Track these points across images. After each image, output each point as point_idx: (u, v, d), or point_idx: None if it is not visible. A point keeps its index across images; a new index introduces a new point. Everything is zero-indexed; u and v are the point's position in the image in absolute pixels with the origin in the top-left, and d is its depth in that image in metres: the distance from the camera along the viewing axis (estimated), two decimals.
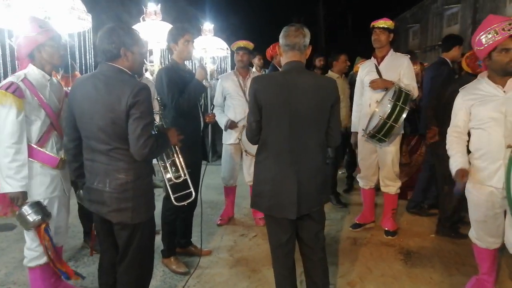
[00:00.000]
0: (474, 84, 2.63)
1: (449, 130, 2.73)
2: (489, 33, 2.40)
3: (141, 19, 4.64)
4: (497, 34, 2.36)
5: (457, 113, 2.67)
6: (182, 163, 2.49)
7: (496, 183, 2.46)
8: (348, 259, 3.40)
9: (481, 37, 2.45)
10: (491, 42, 2.40)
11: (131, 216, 2.13)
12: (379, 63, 3.70)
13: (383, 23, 3.62)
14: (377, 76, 3.65)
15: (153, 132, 2.25)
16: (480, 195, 2.55)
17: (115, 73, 2.08)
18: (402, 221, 4.21)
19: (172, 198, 2.51)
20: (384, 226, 3.91)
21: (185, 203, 2.52)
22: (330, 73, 4.83)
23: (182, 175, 2.49)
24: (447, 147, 2.72)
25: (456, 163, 2.60)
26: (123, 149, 2.06)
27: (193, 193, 2.55)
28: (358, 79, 3.92)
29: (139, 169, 2.14)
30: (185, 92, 3.04)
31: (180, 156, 2.49)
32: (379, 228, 3.98)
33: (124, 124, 2.01)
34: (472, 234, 2.73)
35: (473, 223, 2.70)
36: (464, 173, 2.54)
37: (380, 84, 3.57)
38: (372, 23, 3.68)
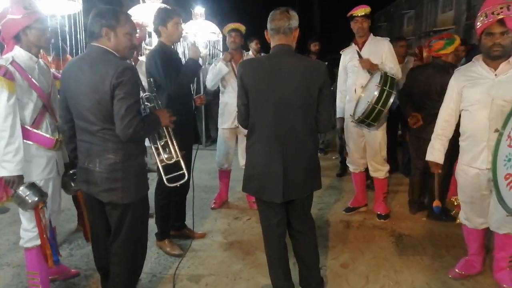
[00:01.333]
0: (468, 66, 2.65)
1: (441, 110, 2.78)
2: (481, 15, 2.43)
3: (141, 0, 4.56)
4: (486, 17, 2.39)
5: (449, 94, 2.71)
6: (175, 145, 2.48)
7: (480, 164, 2.51)
8: (340, 241, 3.44)
9: (478, 19, 2.48)
10: (480, 24, 2.43)
11: (121, 195, 2.16)
12: (360, 49, 3.72)
13: (363, 10, 3.62)
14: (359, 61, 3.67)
15: (143, 113, 2.27)
16: (467, 177, 2.61)
17: (100, 54, 2.09)
18: (395, 204, 4.26)
19: (164, 179, 2.50)
20: (376, 210, 3.96)
21: (177, 184, 2.51)
22: None
23: (174, 156, 2.48)
24: (437, 124, 2.79)
25: (433, 151, 2.78)
26: (111, 130, 2.07)
27: (186, 175, 2.54)
28: (341, 65, 3.93)
29: (128, 149, 2.15)
30: (182, 70, 3.04)
31: (172, 137, 2.48)
32: (371, 211, 4.02)
33: (109, 105, 2.02)
34: (462, 215, 2.79)
35: (462, 204, 2.76)
36: (436, 167, 2.78)
37: (368, 63, 3.56)
38: (352, 12, 3.66)
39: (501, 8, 2.34)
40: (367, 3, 3.70)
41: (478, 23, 2.46)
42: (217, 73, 3.95)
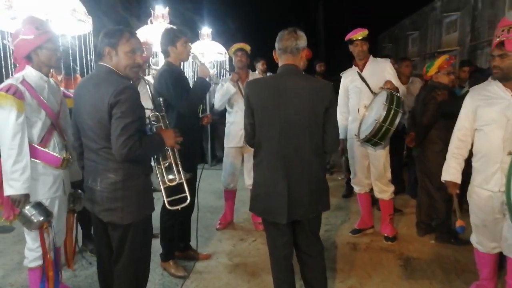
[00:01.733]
0: (484, 85, 2.61)
1: (454, 129, 2.74)
2: (494, 38, 2.46)
3: (148, 21, 4.65)
4: (495, 38, 2.43)
5: (463, 113, 2.67)
6: (180, 167, 2.41)
7: (492, 186, 2.46)
8: (347, 264, 3.38)
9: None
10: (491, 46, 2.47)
11: (121, 216, 2.14)
12: (361, 70, 3.76)
13: (362, 34, 3.66)
14: (361, 83, 3.70)
15: (148, 132, 2.28)
16: (479, 199, 2.55)
17: (104, 73, 2.13)
18: (402, 226, 4.20)
19: (166, 202, 2.38)
20: (383, 232, 3.90)
21: (178, 207, 2.40)
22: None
23: (177, 179, 2.38)
24: (451, 143, 2.76)
25: (448, 169, 2.73)
26: (111, 148, 2.07)
27: (188, 198, 2.42)
28: (341, 87, 3.95)
29: (129, 169, 2.13)
30: (192, 90, 3.06)
31: (177, 159, 2.41)
32: (378, 233, 3.97)
33: (108, 124, 2.03)
34: (473, 238, 2.73)
35: (473, 227, 2.69)
36: (453, 187, 2.71)
37: (392, 83, 3.54)
38: (351, 37, 3.69)
39: (502, 30, 2.36)
40: (371, 25, 3.76)
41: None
42: (224, 93, 3.97)
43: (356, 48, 3.70)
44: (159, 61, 4.56)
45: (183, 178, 2.40)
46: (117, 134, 1.99)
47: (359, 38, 3.65)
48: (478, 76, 3.81)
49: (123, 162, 2.09)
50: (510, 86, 2.45)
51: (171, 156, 2.38)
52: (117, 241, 2.21)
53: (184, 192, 2.43)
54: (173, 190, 2.48)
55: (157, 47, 4.42)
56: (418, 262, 3.41)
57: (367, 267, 3.33)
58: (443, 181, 2.78)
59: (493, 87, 2.52)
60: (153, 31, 4.44)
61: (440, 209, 3.76)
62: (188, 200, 2.40)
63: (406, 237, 3.93)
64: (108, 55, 2.12)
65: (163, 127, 2.39)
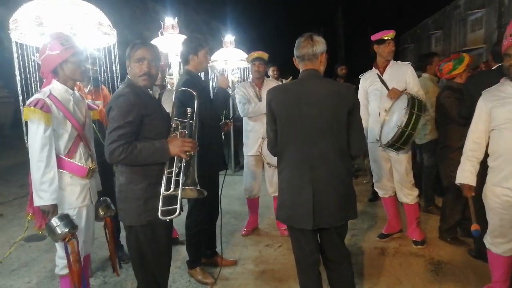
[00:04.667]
0: (497, 86, 2.60)
1: (469, 132, 2.71)
2: (506, 35, 2.45)
3: (159, 33, 4.73)
4: (505, 38, 2.42)
5: (477, 115, 2.65)
6: (180, 178, 2.23)
7: None
8: (376, 270, 3.32)
9: (504, 39, 2.50)
10: (504, 44, 2.45)
11: (123, 217, 2.29)
12: (381, 73, 3.71)
13: (393, 34, 3.64)
14: (381, 86, 3.66)
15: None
16: (497, 198, 2.52)
17: (122, 84, 2.34)
18: (431, 230, 4.09)
19: (159, 211, 2.20)
20: (411, 237, 3.82)
21: (167, 218, 2.20)
22: (424, 76, 4.79)
23: (172, 190, 2.21)
24: (466, 143, 2.74)
25: (463, 172, 2.70)
26: None
27: (177, 211, 2.21)
28: (360, 90, 3.90)
29: (130, 173, 2.23)
30: (214, 100, 3.11)
31: (182, 169, 2.25)
32: (407, 237, 3.87)
33: None
34: (487, 239, 2.69)
35: (489, 228, 2.65)
36: (468, 190, 2.68)
37: (397, 92, 3.53)
38: (383, 36, 3.66)
39: None
40: (392, 25, 3.71)
41: (503, 44, 2.47)
42: (259, 111, 3.95)
43: (387, 47, 3.65)
44: (173, 71, 4.62)
45: (180, 189, 2.21)
46: (106, 138, 2.16)
47: (392, 37, 3.62)
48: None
49: (126, 166, 2.22)
50: None
51: (175, 166, 2.25)
52: (126, 240, 2.36)
53: (175, 204, 2.23)
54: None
55: (170, 58, 4.51)
56: (450, 267, 3.31)
57: (397, 273, 3.25)
58: (458, 184, 2.74)
59: (505, 87, 2.51)
60: (163, 42, 4.52)
61: (445, 209, 3.80)
62: (176, 214, 2.20)
63: (435, 241, 3.83)
64: (128, 67, 2.31)
65: (178, 136, 2.33)
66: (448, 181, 3.71)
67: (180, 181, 2.22)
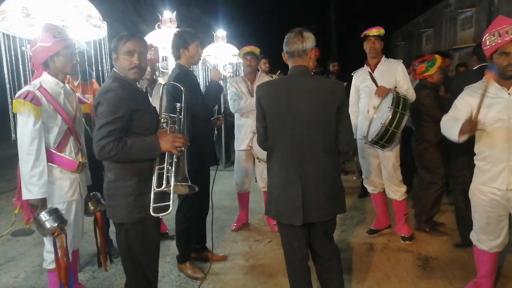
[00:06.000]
0: (479, 85, 2.58)
1: (444, 118, 2.68)
2: (493, 35, 2.40)
3: (156, 26, 4.69)
4: (500, 36, 2.36)
5: (458, 108, 2.61)
6: (172, 174, 2.18)
7: (499, 184, 2.46)
8: (364, 265, 3.35)
9: (486, 38, 2.46)
10: (493, 44, 2.40)
11: (113, 213, 2.24)
12: (373, 70, 3.73)
13: (377, 31, 3.65)
14: (372, 83, 3.69)
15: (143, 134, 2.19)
16: (484, 197, 2.55)
17: (108, 78, 2.26)
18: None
19: (151, 208, 2.15)
20: (400, 233, 3.86)
21: (160, 215, 2.17)
22: None
23: (164, 186, 2.17)
24: (442, 126, 2.66)
25: (454, 126, 2.48)
26: None
27: (170, 208, 2.17)
28: (352, 87, 3.93)
29: (120, 169, 2.16)
30: (206, 93, 3.09)
31: (174, 165, 2.19)
32: (395, 233, 3.92)
33: None
34: (473, 235, 2.74)
35: (475, 224, 2.70)
36: (471, 124, 2.39)
37: (385, 90, 3.55)
38: (366, 32, 3.70)
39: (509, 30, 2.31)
40: (384, 22, 3.73)
41: (489, 42, 2.42)
42: (251, 106, 3.92)
43: (368, 44, 3.68)
44: (168, 65, 4.58)
45: (171, 186, 2.16)
46: (94, 135, 2.09)
47: (374, 34, 3.64)
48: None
49: (113, 163, 2.16)
50: (506, 84, 2.45)
51: (166, 162, 2.21)
52: (116, 237, 2.31)
53: (168, 201, 2.20)
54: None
55: (164, 51, 4.47)
56: (437, 263, 3.36)
57: (385, 268, 3.29)
58: (460, 131, 2.44)
59: (490, 88, 2.48)
60: (161, 35, 4.49)
61: (427, 198, 3.92)
62: (169, 211, 2.16)
63: (423, 237, 3.88)
64: (114, 60, 2.23)
65: (168, 131, 2.30)
66: (427, 173, 3.89)
67: (172, 178, 2.17)
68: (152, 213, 2.14)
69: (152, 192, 2.18)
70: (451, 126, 2.55)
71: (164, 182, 2.18)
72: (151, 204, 2.16)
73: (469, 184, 2.71)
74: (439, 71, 3.88)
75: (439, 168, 3.85)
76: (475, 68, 3.78)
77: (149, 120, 2.25)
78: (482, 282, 2.77)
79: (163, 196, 2.20)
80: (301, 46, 2.23)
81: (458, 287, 2.94)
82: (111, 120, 2.04)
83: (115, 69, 2.23)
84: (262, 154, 3.81)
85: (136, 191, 2.17)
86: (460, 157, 3.54)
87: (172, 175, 2.18)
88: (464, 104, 2.57)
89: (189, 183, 2.25)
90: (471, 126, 2.39)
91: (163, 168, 2.21)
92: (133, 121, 2.14)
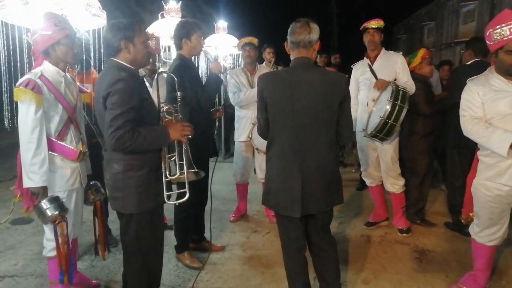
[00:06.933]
0: (484, 78, 2.53)
1: (467, 120, 2.54)
2: (501, 30, 2.30)
3: (159, 16, 4.65)
4: (508, 33, 2.27)
5: (473, 105, 2.51)
6: (184, 162, 2.27)
7: (507, 180, 2.42)
8: (361, 257, 3.37)
9: (492, 32, 2.37)
10: (500, 39, 2.32)
11: (122, 205, 2.21)
12: (372, 63, 3.72)
13: (376, 23, 3.63)
14: (371, 76, 3.67)
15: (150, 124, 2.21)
16: (489, 192, 2.52)
17: (108, 68, 2.18)
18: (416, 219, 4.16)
19: (165, 196, 2.26)
20: (397, 225, 3.89)
21: (176, 202, 2.28)
22: None
23: (179, 174, 2.27)
24: (470, 129, 2.49)
25: (506, 134, 2.32)
26: None
27: (187, 195, 2.26)
28: (352, 79, 3.91)
29: (129, 160, 2.15)
30: (205, 85, 3.07)
31: (183, 153, 2.29)
32: (393, 226, 3.94)
33: (104, 115, 2.08)
34: (473, 229, 2.75)
35: (477, 219, 2.70)
36: None
37: (384, 83, 3.53)
38: (364, 25, 3.69)
39: None
40: (385, 15, 3.71)
41: (496, 37, 2.33)
42: (251, 98, 3.93)
43: (367, 36, 3.67)
44: (171, 55, 4.55)
45: (185, 175, 2.26)
46: (106, 125, 2.03)
47: (373, 26, 3.62)
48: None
49: (124, 154, 2.12)
50: (511, 79, 2.41)
51: (176, 150, 2.28)
52: (122, 229, 2.29)
53: (184, 188, 2.28)
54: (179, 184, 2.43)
55: (166, 41, 4.44)
56: (434, 255, 3.38)
57: (382, 260, 3.31)
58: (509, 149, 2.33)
59: (495, 80, 2.46)
60: (164, 25, 4.45)
61: (411, 191, 4.00)
62: (186, 197, 2.25)
63: (420, 229, 3.90)
64: (126, 48, 2.14)
65: (174, 120, 2.33)
66: (414, 165, 3.94)
67: (185, 165, 2.26)
68: (167, 201, 2.23)
69: (164, 181, 2.24)
70: (492, 137, 2.35)
71: (177, 170, 2.25)
72: (165, 193, 2.24)
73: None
74: (426, 63, 3.90)
75: (423, 159, 3.91)
76: (468, 63, 3.81)
77: (154, 109, 2.28)
78: (478, 275, 2.78)
79: (167, 185, 2.26)
80: (308, 36, 2.20)
81: (454, 279, 2.96)
82: (125, 110, 2.02)
83: (116, 59, 2.16)
84: (262, 145, 3.82)
85: (146, 181, 2.19)
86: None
87: (185, 163, 2.26)
88: (476, 96, 2.50)
89: (196, 169, 2.34)
90: None
91: (172, 157, 2.28)
92: (142, 111, 2.14)
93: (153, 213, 2.27)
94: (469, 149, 3.24)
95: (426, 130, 3.83)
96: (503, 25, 2.30)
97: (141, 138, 2.05)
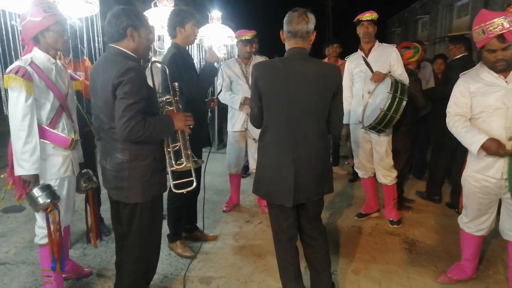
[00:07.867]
0: (475, 72, 2.56)
1: (450, 116, 2.64)
2: (478, 31, 2.38)
3: (152, 4, 4.60)
4: (484, 34, 2.34)
5: (460, 102, 2.58)
6: (188, 150, 2.37)
7: (494, 173, 2.46)
8: (352, 247, 3.41)
9: (473, 32, 2.44)
10: (480, 39, 2.39)
11: (127, 195, 2.21)
12: (366, 55, 3.72)
13: (370, 15, 3.63)
14: (366, 68, 3.69)
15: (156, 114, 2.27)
16: (477, 184, 2.56)
17: (113, 55, 2.15)
18: (407, 210, 4.22)
19: (172, 185, 2.37)
20: (388, 216, 3.93)
21: (184, 191, 2.37)
22: None
23: (185, 163, 2.34)
24: (452, 125, 2.60)
25: (473, 139, 2.43)
26: None
27: (194, 183, 2.39)
28: (346, 72, 3.92)
29: (135, 150, 2.16)
30: (200, 74, 3.06)
31: (187, 143, 2.38)
32: (384, 217, 3.98)
33: (113, 105, 2.06)
34: (462, 219, 2.81)
35: (465, 209, 2.75)
36: (494, 145, 2.34)
37: (381, 75, 3.55)
38: (358, 17, 3.68)
39: (498, 23, 2.28)
40: (380, 8, 3.72)
41: (477, 38, 2.41)
42: (230, 103, 4.05)
43: (361, 29, 3.66)
44: (164, 45, 4.51)
45: (191, 164, 2.35)
46: (119, 115, 2.01)
47: (367, 19, 3.62)
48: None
49: (129, 143, 2.12)
50: (503, 74, 2.43)
51: (180, 140, 2.34)
52: (125, 219, 2.28)
53: (191, 176, 2.40)
54: (181, 173, 2.47)
55: (159, 31, 4.39)
56: (423, 246, 3.43)
57: (372, 250, 3.36)
58: (480, 149, 2.41)
59: (485, 75, 2.49)
60: (157, 14, 4.39)
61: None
62: (194, 185, 2.37)
63: (411, 221, 3.95)
64: (131, 37, 2.14)
65: (175, 111, 2.37)
66: (397, 153, 4.01)
67: (189, 154, 2.33)
68: (174, 190, 2.31)
69: (169, 170, 2.31)
70: (466, 135, 2.48)
71: (183, 159, 2.32)
72: (171, 182, 2.33)
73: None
74: (417, 60, 4.20)
75: (406, 151, 4.04)
76: (458, 57, 3.91)
77: (156, 99, 2.30)
78: (465, 265, 2.85)
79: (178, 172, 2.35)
80: (305, 26, 2.19)
81: (443, 269, 3.01)
82: (137, 100, 2.03)
83: (120, 47, 2.15)
84: (257, 135, 3.82)
85: (150, 169, 2.22)
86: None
87: (189, 152, 2.33)
88: (465, 93, 2.55)
89: (195, 158, 2.40)
90: (497, 153, 2.36)
91: (175, 146, 2.33)
92: (149, 101, 2.15)
93: (155, 202, 2.31)
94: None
95: (411, 120, 3.95)
96: (481, 25, 2.35)
97: (151, 128, 2.08)
